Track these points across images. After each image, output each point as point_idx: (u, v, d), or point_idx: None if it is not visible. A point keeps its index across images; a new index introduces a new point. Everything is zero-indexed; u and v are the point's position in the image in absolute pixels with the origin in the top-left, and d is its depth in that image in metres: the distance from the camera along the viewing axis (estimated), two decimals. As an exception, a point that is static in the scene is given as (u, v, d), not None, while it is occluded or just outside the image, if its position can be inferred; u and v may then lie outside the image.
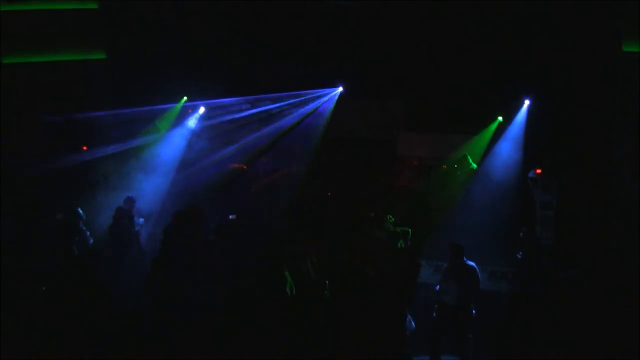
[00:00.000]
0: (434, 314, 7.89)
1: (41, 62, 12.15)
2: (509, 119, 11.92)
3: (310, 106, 13.11)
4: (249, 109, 13.05)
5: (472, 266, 7.97)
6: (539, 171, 10.88)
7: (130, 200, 10.50)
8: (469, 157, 11.85)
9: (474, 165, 11.79)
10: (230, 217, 9.59)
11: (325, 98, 12.98)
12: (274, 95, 12.90)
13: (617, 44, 10.55)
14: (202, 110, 13.10)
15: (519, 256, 8.93)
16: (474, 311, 7.83)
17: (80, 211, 10.03)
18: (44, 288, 8.10)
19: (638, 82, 10.28)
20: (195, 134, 13.05)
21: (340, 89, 12.95)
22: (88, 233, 9.98)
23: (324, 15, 12.14)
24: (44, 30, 12.02)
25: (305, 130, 13.13)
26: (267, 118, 13.19)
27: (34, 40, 12.02)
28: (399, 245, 8.37)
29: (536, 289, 8.09)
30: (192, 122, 13.11)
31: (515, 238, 9.51)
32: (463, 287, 7.71)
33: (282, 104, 13.07)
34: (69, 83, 12.31)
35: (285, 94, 12.89)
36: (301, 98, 13.00)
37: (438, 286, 7.98)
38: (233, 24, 12.47)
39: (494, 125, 12.06)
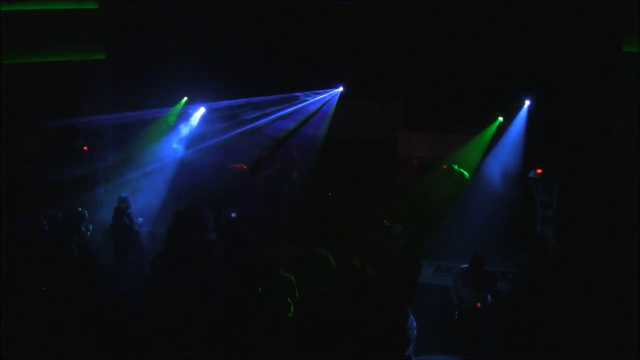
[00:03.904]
0: (457, 314, 7.83)
1: (41, 62, 12.14)
2: (509, 119, 11.92)
3: (312, 107, 13.12)
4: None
5: (491, 273, 7.94)
6: (539, 171, 10.88)
7: (124, 200, 10.51)
8: (455, 166, 11.86)
9: (466, 174, 11.79)
10: (232, 215, 9.59)
11: (327, 99, 13.00)
12: (275, 96, 12.90)
13: (617, 44, 10.55)
14: (202, 110, 13.10)
15: (527, 259, 8.88)
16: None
17: (85, 212, 10.07)
18: (44, 288, 8.10)
19: (638, 82, 10.27)
20: (195, 134, 13.07)
21: (341, 89, 12.96)
22: (89, 233, 9.99)
23: (324, 15, 12.14)
24: (44, 30, 12.01)
25: (307, 131, 13.16)
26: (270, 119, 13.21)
27: (34, 40, 12.00)
28: (399, 243, 8.36)
29: (538, 289, 8.07)
30: (192, 122, 13.12)
31: (521, 239, 9.52)
32: (481, 293, 7.66)
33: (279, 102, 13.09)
34: (69, 83, 12.31)
35: (286, 95, 12.90)
36: (303, 99, 13.01)
37: (457, 292, 7.88)
38: (232, 25, 12.47)
39: (494, 126, 12.07)
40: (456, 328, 7.78)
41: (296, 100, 13.03)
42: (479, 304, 7.59)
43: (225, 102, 12.91)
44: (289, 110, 13.03)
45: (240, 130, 13.06)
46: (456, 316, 7.79)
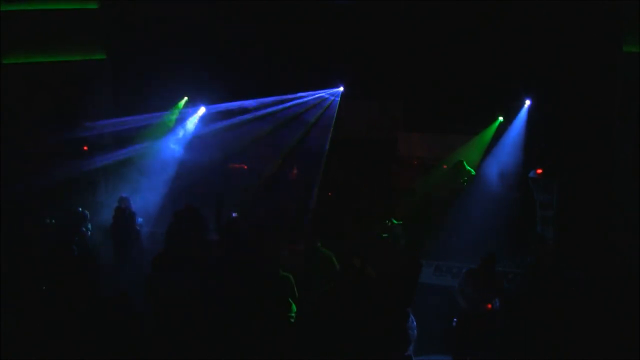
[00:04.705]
0: (455, 322, 7.75)
1: (41, 62, 12.14)
2: (509, 119, 11.93)
3: (318, 108, 13.15)
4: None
5: (499, 273, 7.89)
6: (539, 171, 10.88)
7: (125, 200, 10.51)
8: (464, 162, 11.88)
9: (472, 171, 11.82)
10: (233, 214, 9.59)
11: (331, 99, 13.00)
12: (276, 97, 12.89)
13: (617, 44, 10.55)
14: (202, 110, 13.09)
15: (527, 259, 8.88)
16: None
17: (86, 212, 10.09)
18: (44, 288, 8.10)
19: (638, 82, 10.28)
20: (196, 134, 13.07)
21: (341, 88, 12.95)
22: (89, 233, 9.99)
23: (324, 15, 12.14)
24: (44, 30, 12.01)
25: (312, 132, 13.18)
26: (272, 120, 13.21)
27: (34, 40, 12.00)
28: (399, 243, 8.36)
29: (538, 289, 8.07)
30: (192, 122, 13.12)
31: (521, 239, 9.51)
32: (491, 294, 7.59)
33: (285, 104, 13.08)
34: (69, 83, 12.31)
35: (288, 96, 12.89)
36: (304, 99, 13.02)
37: (463, 293, 7.76)
38: (232, 25, 12.47)
39: (494, 126, 12.08)
40: (456, 333, 7.70)
41: (298, 103, 13.07)
42: (489, 306, 7.50)
43: (225, 103, 12.91)
44: (291, 104, 13.03)
45: (240, 131, 13.07)
46: (454, 323, 7.70)
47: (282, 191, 12.71)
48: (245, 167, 13.31)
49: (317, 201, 12.30)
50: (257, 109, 13.04)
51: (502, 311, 7.80)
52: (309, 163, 13.08)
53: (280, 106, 12.97)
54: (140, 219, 10.63)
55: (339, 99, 13.00)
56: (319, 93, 13.02)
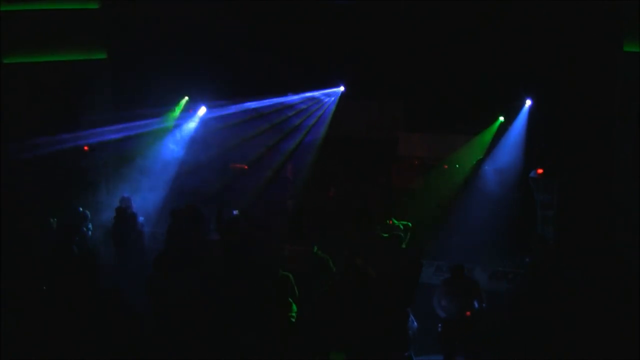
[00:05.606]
0: (440, 327, 7.75)
1: (41, 62, 12.14)
2: (510, 119, 11.93)
3: (316, 106, 13.16)
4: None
5: (474, 281, 7.92)
6: (540, 171, 10.89)
7: (126, 200, 10.51)
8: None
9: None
10: (234, 212, 9.60)
11: (331, 98, 13.02)
12: (275, 98, 12.91)
13: (617, 44, 10.56)
14: (203, 110, 13.09)
15: (527, 259, 8.88)
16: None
17: (87, 212, 10.08)
18: (44, 288, 8.11)
19: (638, 82, 10.28)
20: (197, 134, 13.07)
21: (342, 88, 12.95)
22: (90, 233, 10.00)
23: (324, 15, 12.14)
24: (44, 30, 12.02)
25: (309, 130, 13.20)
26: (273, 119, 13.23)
27: (34, 40, 12.01)
28: (403, 241, 8.35)
29: (538, 289, 8.07)
30: (192, 122, 13.13)
31: (521, 239, 9.52)
32: (460, 303, 7.55)
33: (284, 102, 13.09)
34: (69, 83, 12.32)
35: (290, 96, 12.90)
36: (305, 98, 13.03)
37: (440, 304, 7.71)
38: (232, 25, 12.47)
39: (495, 126, 12.08)
40: (442, 337, 7.70)
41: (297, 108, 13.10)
42: (468, 313, 7.53)
43: (224, 103, 12.92)
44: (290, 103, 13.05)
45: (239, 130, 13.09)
46: (439, 328, 7.69)
47: (280, 191, 12.72)
48: (246, 167, 13.32)
49: (315, 201, 12.31)
50: (256, 109, 13.06)
51: (501, 311, 7.81)
52: (305, 162, 13.10)
53: (281, 100, 12.97)
54: (141, 218, 10.64)
55: (336, 99, 13.01)
56: (318, 93, 13.02)
